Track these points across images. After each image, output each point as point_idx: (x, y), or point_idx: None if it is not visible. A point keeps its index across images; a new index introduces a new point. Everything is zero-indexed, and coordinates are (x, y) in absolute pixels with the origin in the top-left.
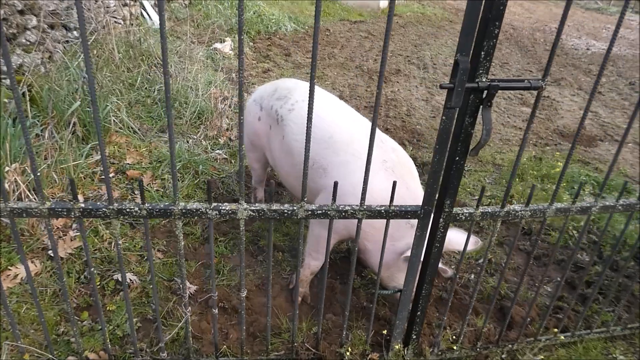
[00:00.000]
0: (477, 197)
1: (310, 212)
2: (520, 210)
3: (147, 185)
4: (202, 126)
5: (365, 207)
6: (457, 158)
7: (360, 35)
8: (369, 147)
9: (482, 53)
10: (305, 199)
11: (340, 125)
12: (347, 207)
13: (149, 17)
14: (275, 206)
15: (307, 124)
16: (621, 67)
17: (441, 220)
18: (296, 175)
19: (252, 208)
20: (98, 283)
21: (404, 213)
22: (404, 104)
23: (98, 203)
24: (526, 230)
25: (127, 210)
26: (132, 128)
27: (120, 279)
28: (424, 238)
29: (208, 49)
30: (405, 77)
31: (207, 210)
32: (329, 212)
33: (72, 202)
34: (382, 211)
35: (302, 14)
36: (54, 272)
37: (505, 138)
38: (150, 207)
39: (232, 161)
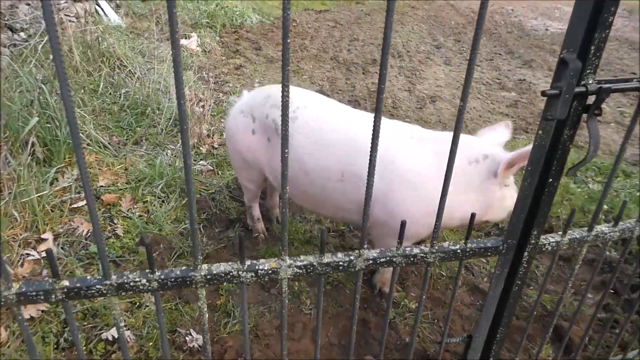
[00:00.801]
0: None
1: (371, 261)
2: (609, 232)
3: (128, 210)
4: (180, 134)
5: (437, 247)
6: (551, 180)
7: (328, 25)
8: (450, 158)
9: (592, 48)
10: (366, 246)
11: (353, 123)
12: (415, 251)
13: (104, 13)
14: (326, 258)
15: (372, 141)
16: None
17: (525, 254)
18: (316, 194)
19: (298, 264)
20: (84, 347)
21: (484, 251)
22: (388, 96)
23: (89, 278)
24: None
25: (131, 284)
26: (101, 143)
27: (110, 338)
28: (504, 276)
29: None
30: None
31: (240, 272)
32: (394, 260)
33: (51, 281)
34: (458, 251)
35: (265, 4)
36: (24, 340)
37: None
38: (162, 277)
39: (219, 172)
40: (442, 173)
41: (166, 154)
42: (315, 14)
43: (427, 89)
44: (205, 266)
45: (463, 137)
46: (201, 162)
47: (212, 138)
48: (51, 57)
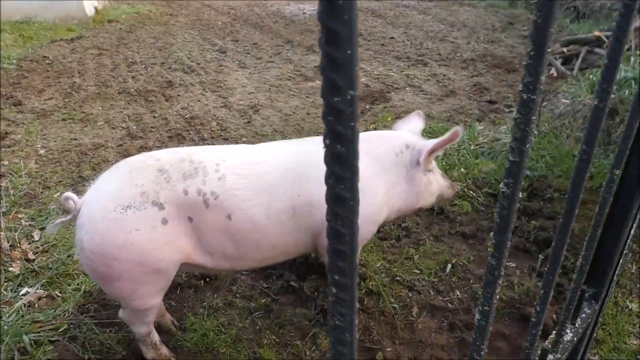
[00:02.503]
0: None
1: None
2: None
3: None
4: None
5: None
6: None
7: (91, 54)
8: None
9: None
10: None
11: (279, 155)
12: None
13: None
14: None
15: None
16: None
17: (606, 299)
18: (273, 242)
19: None
20: None
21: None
22: (209, 119)
23: None
24: (438, 210)
25: None
26: None
27: None
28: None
29: None
30: (183, 88)
31: None
32: None
33: None
34: None
35: None
36: None
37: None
38: None
39: (59, 294)
40: (379, 169)
41: None
42: (67, 43)
43: (241, 100)
44: None
45: (382, 133)
46: (25, 289)
47: (21, 246)
48: None
